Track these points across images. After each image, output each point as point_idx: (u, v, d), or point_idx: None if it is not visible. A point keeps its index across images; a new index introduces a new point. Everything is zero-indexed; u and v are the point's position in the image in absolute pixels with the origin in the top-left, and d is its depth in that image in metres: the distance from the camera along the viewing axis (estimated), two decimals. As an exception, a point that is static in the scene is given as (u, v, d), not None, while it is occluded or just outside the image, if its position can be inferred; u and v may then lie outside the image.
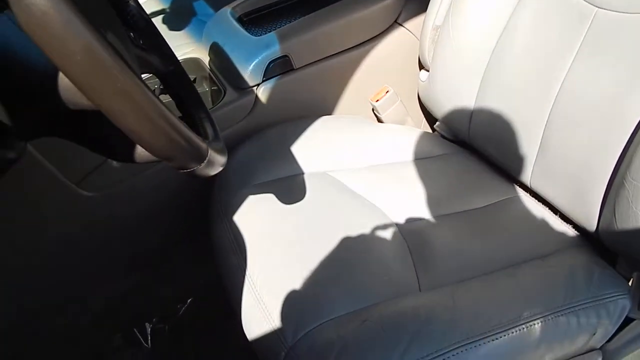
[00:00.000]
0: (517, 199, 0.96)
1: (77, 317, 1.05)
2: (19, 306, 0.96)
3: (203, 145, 0.49)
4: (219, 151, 0.54)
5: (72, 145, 0.88)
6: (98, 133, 0.53)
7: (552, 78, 0.86)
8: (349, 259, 0.78)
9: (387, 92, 1.06)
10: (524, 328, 0.68)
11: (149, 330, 1.12)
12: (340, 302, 0.72)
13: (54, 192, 0.89)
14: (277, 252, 0.80)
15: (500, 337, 0.66)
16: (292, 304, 0.72)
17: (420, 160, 1.02)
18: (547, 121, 0.88)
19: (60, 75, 0.46)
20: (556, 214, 0.92)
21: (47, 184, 0.88)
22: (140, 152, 0.54)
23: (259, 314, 0.74)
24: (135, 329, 1.12)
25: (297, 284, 0.75)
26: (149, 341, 1.12)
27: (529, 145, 0.91)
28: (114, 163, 0.93)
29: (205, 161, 0.49)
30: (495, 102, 0.96)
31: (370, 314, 0.69)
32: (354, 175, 0.95)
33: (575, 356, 0.78)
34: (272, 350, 0.70)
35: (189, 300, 1.17)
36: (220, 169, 0.55)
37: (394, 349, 0.64)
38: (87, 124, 0.52)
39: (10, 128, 0.49)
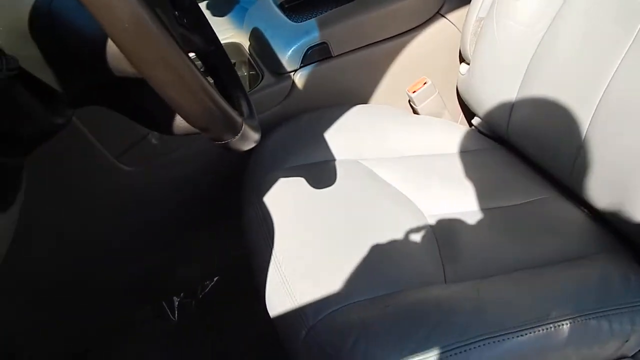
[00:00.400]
0: (554, 198, 0.93)
1: (110, 287, 1.09)
2: (59, 268, 1.01)
3: (238, 119, 0.50)
4: (253, 128, 0.55)
5: (113, 121, 0.91)
6: (140, 103, 0.55)
7: (600, 74, 0.83)
8: (375, 246, 0.78)
9: (425, 83, 1.05)
10: (551, 327, 0.66)
11: (176, 304, 1.15)
12: (364, 287, 0.72)
13: (95, 164, 0.92)
14: (304, 235, 0.80)
15: (526, 334, 0.65)
16: (316, 285, 0.73)
17: (455, 154, 1.01)
18: (591, 119, 0.85)
19: (109, 43, 0.47)
20: (594, 216, 0.89)
21: (89, 156, 0.91)
22: (178, 123, 0.55)
23: (283, 293, 0.75)
24: (163, 302, 1.15)
25: (322, 267, 0.75)
26: (176, 315, 1.14)
27: (570, 144, 0.89)
28: (153, 140, 0.96)
29: (239, 135, 0.50)
30: (538, 98, 0.93)
31: (393, 300, 0.69)
32: (385, 164, 0.95)
33: (605, 363, 0.76)
34: (293, 328, 0.71)
35: (215, 278, 1.19)
36: (253, 144, 0.56)
37: (414, 336, 0.63)
38: (131, 93, 0.54)
39: (60, 95, 0.51)
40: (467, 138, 1.05)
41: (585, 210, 0.90)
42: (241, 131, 0.51)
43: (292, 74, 1.01)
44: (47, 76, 0.50)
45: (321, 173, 0.91)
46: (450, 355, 0.62)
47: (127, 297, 1.13)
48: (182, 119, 0.55)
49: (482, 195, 0.92)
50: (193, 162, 1.01)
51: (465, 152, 1.02)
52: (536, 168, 0.99)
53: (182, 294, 1.17)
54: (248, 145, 0.55)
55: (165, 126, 0.56)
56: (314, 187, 0.88)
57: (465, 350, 0.62)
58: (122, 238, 1.05)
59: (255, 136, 0.55)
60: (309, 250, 0.78)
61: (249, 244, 0.88)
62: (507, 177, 0.98)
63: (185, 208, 1.07)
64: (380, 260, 0.76)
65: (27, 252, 0.97)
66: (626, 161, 0.78)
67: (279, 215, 0.84)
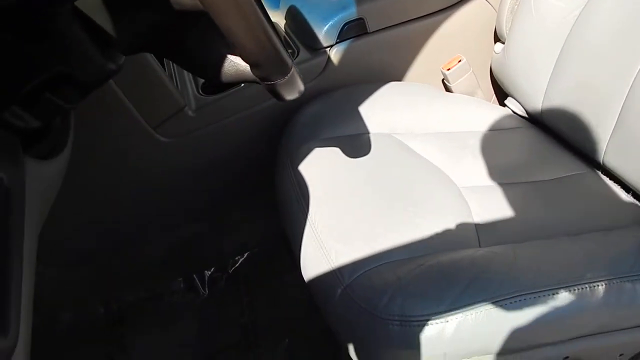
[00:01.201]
0: (587, 174, 0.93)
1: (143, 257, 1.12)
2: (98, 234, 1.04)
3: (289, 60, 0.51)
4: (299, 76, 0.56)
5: (152, 92, 0.94)
6: (192, 47, 0.56)
7: (638, 51, 0.83)
8: (409, 212, 0.79)
9: (460, 61, 1.06)
10: (586, 288, 0.66)
11: (207, 278, 1.17)
12: (398, 249, 0.73)
13: (132, 133, 0.95)
14: (339, 200, 0.82)
15: (561, 292, 0.65)
16: (351, 247, 0.74)
17: (488, 132, 1.01)
18: (627, 95, 0.85)
19: None
20: (628, 193, 0.89)
21: (128, 124, 0.94)
22: (227, 70, 0.57)
23: (318, 255, 0.76)
24: (194, 276, 1.17)
25: (357, 229, 0.76)
26: (206, 288, 1.16)
27: (605, 120, 0.89)
28: (190, 112, 0.98)
29: (287, 76, 0.52)
30: (573, 76, 0.93)
31: (428, 260, 0.70)
32: (419, 139, 0.96)
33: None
34: (329, 288, 0.72)
35: (246, 254, 1.21)
36: (297, 95, 0.57)
37: (450, 291, 0.64)
38: (183, 37, 0.55)
39: (113, 40, 0.53)
40: (501, 117, 1.05)
41: (619, 186, 0.90)
42: (290, 73, 0.52)
43: (327, 49, 1.02)
44: (102, 18, 0.52)
45: (355, 144, 0.92)
46: (485, 311, 0.62)
47: (160, 268, 1.15)
48: (231, 65, 0.57)
49: (515, 171, 0.92)
50: (228, 137, 1.03)
51: (498, 131, 1.02)
52: (569, 146, 0.99)
53: (212, 268, 1.19)
54: (292, 93, 0.56)
55: (214, 72, 0.57)
56: (348, 156, 0.89)
57: (500, 306, 0.63)
58: (156, 208, 1.08)
59: (300, 86, 0.57)
60: (345, 214, 0.79)
61: (284, 211, 0.89)
62: (540, 155, 0.98)
63: (218, 182, 1.09)
64: (415, 226, 0.77)
65: (66, 216, 1.00)
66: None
67: (313, 181, 0.85)
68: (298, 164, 0.89)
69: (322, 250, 0.76)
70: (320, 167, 0.88)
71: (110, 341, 1.08)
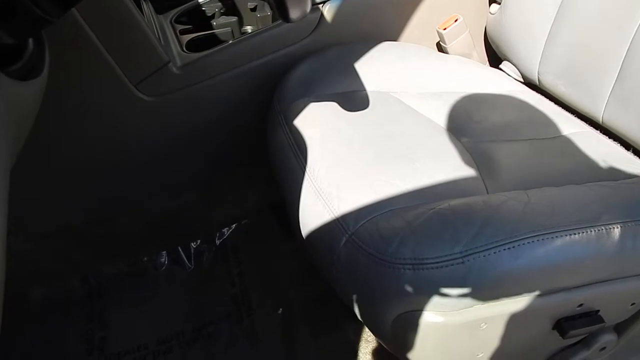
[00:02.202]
0: (587, 133, 0.91)
1: (124, 228, 1.06)
2: (74, 200, 0.97)
3: None
4: None
5: (134, 46, 0.88)
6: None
7: (637, 6, 0.82)
8: (413, 163, 0.76)
9: (456, 20, 1.03)
10: (602, 230, 0.63)
11: (192, 250, 1.12)
12: (405, 195, 0.70)
13: (112, 90, 0.89)
14: (339, 152, 0.78)
15: (577, 233, 0.62)
16: (355, 195, 0.70)
17: (486, 94, 0.99)
18: (627, 49, 0.84)
19: None
20: (629, 150, 0.88)
21: (107, 79, 0.88)
22: None
23: (319, 206, 0.72)
24: (179, 248, 1.11)
25: (359, 179, 0.73)
26: (192, 261, 1.11)
27: (604, 77, 0.87)
28: (174, 69, 0.93)
29: None
30: (571, 34, 0.92)
31: (438, 204, 0.66)
32: (417, 98, 0.93)
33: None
34: (332, 239, 0.68)
35: (234, 225, 1.15)
36: (303, 15, 0.53)
37: (465, 230, 0.60)
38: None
39: None
40: (498, 79, 1.03)
41: (619, 144, 0.89)
42: None
43: (320, 5, 0.99)
44: None
45: (351, 100, 0.89)
46: (501, 251, 0.59)
47: (143, 241, 1.09)
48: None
49: (515, 130, 0.90)
50: (216, 97, 0.98)
51: (496, 93, 1.00)
52: (567, 108, 0.98)
53: (199, 240, 1.13)
54: (299, 10, 0.52)
55: None
56: (346, 111, 0.85)
57: (516, 246, 0.59)
58: (138, 175, 1.02)
59: (308, 5, 0.53)
60: (346, 165, 0.75)
61: (280, 168, 0.85)
62: (539, 115, 0.97)
63: (205, 146, 1.03)
64: (420, 175, 0.73)
65: (39, 182, 0.94)
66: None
67: (309, 134, 0.81)
68: (293, 119, 0.85)
69: (322, 201, 0.72)
70: (317, 121, 0.84)
71: (90, 317, 1.01)
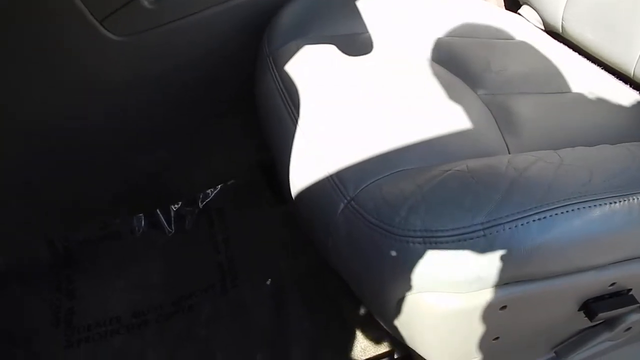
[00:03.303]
0: (616, 87, 0.81)
1: (94, 190, 0.95)
2: (35, 163, 0.86)
3: None
4: None
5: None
6: None
7: None
8: (424, 116, 0.66)
9: (471, -45, 0.91)
10: (647, 197, 0.54)
11: (173, 213, 1.01)
12: (414, 154, 0.60)
13: (73, 27, 0.77)
14: (337, 100, 0.67)
15: (618, 201, 0.52)
16: (355, 153, 0.60)
17: (504, 40, 0.88)
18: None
19: None
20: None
21: (67, 15, 0.75)
22: None
23: (312, 164, 0.62)
24: (158, 211, 1.01)
25: (360, 133, 0.62)
26: (173, 225, 1.01)
27: (638, 27, 0.76)
28: (146, 3, 0.80)
29: None
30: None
31: (454, 165, 0.56)
32: (428, 44, 0.83)
33: None
34: (328, 204, 0.58)
35: (219, 186, 1.05)
36: None
37: (486, 199, 0.50)
38: None
39: None
40: (516, 25, 0.92)
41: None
42: None
43: None
44: None
45: (354, 44, 0.78)
46: (530, 222, 0.49)
47: (117, 203, 0.99)
48: None
49: (537, 81, 0.81)
50: (196, 38, 0.86)
51: (515, 40, 0.89)
52: (594, 59, 0.87)
53: (180, 203, 1.03)
54: None
55: None
56: (345, 54, 0.74)
57: (548, 217, 0.50)
58: (109, 129, 0.90)
59: None
60: (345, 116, 0.65)
61: (265, 118, 0.75)
62: (563, 66, 0.86)
63: (185, 96, 0.92)
64: (432, 130, 0.63)
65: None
66: None
67: (303, 80, 0.70)
68: (283, 63, 0.74)
69: (316, 159, 0.61)
70: (312, 66, 0.73)
71: (56, 287, 0.92)
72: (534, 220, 0.49)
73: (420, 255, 0.50)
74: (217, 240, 0.98)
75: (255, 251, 0.95)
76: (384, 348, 0.80)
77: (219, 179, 1.06)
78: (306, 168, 0.63)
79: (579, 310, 0.60)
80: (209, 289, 0.91)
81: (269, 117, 0.74)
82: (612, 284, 0.58)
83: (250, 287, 0.91)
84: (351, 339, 0.81)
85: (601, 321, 0.67)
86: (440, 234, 0.49)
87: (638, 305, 0.61)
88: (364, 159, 0.59)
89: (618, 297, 0.60)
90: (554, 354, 0.72)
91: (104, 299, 0.90)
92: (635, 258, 0.57)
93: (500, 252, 0.49)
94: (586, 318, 0.60)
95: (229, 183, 1.06)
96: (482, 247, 0.49)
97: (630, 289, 0.61)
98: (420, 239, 0.50)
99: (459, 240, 0.49)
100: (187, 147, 1.00)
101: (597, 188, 0.52)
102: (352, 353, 0.80)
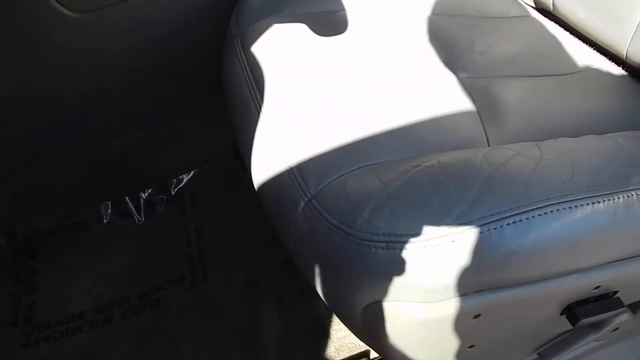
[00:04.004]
0: (607, 70, 0.76)
1: (58, 176, 0.90)
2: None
3: None
4: None
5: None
6: None
7: None
8: (396, 104, 0.61)
9: None
10: (632, 195, 0.49)
11: (142, 201, 0.97)
12: (385, 146, 0.55)
13: (28, 4, 0.71)
14: (304, 86, 0.62)
15: (602, 201, 0.47)
16: (319, 144, 0.55)
17: (492, 18, 0.83)
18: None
19: None
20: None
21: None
22: None
23: (273, 157, 0.57)
24: (127, 198, 0.96)
25: (326, 123, 0.57)
26: (142, 214, 0.96)
27: (632, 6, 0.71)
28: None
29: None
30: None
31: (425, 160, 0.51)
32: (407, 22, 0.77)
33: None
34: (288, 200, 0.54)
35: (192, 172, 1.00)
36: None
37: (456, 200, 0.46)
38: None
39: None
40: (506, 2, 0.86)
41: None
42: None
43: None
44: None
45: (327, 23, 0.73)
46: (505, 226, 0.44)
47: (82, 190, 0.94)
48: None
49: (525, 63, 0.75)
50: (164, 14, 0.80)
51: (505, 19, 0.83)
52: (585, 39, 0.82)
53: (150, 190, 0.98)
54: None
55: None
56: (317, 34, 0.69)
57: (524, 220, 0.45)
58: (74, 112, 0.85)
59: None
60: (311, 103, 0.60)
61: (231, 105, 0.69)
62: (554, 47, 0.81)
63: (153, 77, 0.86)
64: (403, 119, 0.58)
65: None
66: None
67: (269, 64, 0.65)
68: (251, 43, 0.69)
69: (278, 150, 0.57)
70: (279, 47, 0.68)
71: (16, 280, 0.87)
72: (508, 224, 0.45)
73: (383, 262, 0.45)
74: (189, 230, 0.93)
75: (228, 241, 0.91)
76: (358, 349, 0.76)
77: (193, 163, 1.01)
78: (268, 160, 0.58)
79: (561, 314, 0.56)
80: (179, 282, 0.86)
81: (234, 103, 0.69)
82: (597, 287, 0.54)
83: (222, 280, 0.86)
84: (325, 339, 0.77)
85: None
86: (404, 238, 0.45)
87: (624, 308, 0.57)
88: (329, 150, 0.54)
89: (603, 301, 0.56)
90: (537, 356, 0.68)
91: (67, 293, 0.85)
92: (622, 259, 0.53)
93: (471, 259, 0.45)
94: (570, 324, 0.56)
95: (203, 168, 1.01)
96: (451, 254, 0.44)
97: (617, 291, 0.56)
98: (384, 244, 0.45)
99: (425, 247, 0.44)
100: (158, 130, 0.94)
101: (579, 186, 0.48)
102: (326, 353, 0.76)
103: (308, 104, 0.59)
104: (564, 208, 0.46)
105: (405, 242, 0.45)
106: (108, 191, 0.96)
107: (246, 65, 0.67)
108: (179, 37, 0.84)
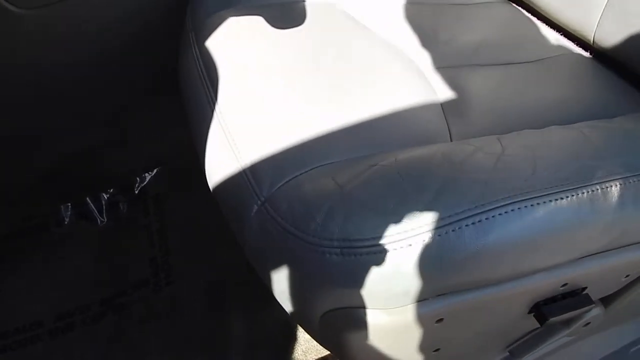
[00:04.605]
0: (575, 55, 0.74)
1: (15, 177, 0.86)
2: None
3: None
4: None
5: None
6: None
7: None
8: (353, 100, 0.58)
9: None
10: (597, 189, 0.47)
11: (104, 201, 0.93)
12: (340, 147, 0.52)
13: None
14: (258, 83, 0.59)
15: (564, 197, 0.46)
16: (272, 145, 0.52)
17: (458, 5, 0.80)
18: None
19: None
20: (624, 78, 0.70)
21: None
22: None
23: (227, 158, 0.54)
24: (88, 199, 0.92)
25: (281, 123, 0.55)
26: (104, 214, 0.93)
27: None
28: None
29: None
30: None
31: (381, 159, 0.49)
32: (368, 11, 0.74)
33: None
34: (242, 204, 0.51)
35: (155, 170, 0.96)
36: None
37: (413, 201, 0.43)
38: None
39: None
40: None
41: (613, 68, 0.72)
42: None
43: None
44: None
45: (283, 14, 0.69)
46: (463, 227, 0.42)
47: (41, 191, 0.90)
48: None
49: (489, 51, 0.73)
50: (119, 8, 0.76)
51: (470, 4, 0.81)
52: (551, 24, 0.80)
53: (111, 190, 0.94)
54: None
55: None
56: (275, 28, 0.66)
57: (484, 220, 0.43)
58: (31, 111, 0.81)
59: None
60: (265, 101, 0.57)
61: (187, 104, 0.66)
62: (519, 33, 0.79)
63: (110, 72, 0.82)
64: (361, 114, 0.56)
65: None
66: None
67: (224, 61, 0.62)
68: (206, 37, 0.66)
69: (232, 152, 0.54)
70: (235, 42, 0.64)
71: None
72: (467, 225, 0.42)
73: (338, 269, 0.43)
74: (152, 231, 0.90)
75: (193, 242, 0.88)
76: (326, 351, 0.74)
77: (156, 161, 0.98)
78: (221, 161, 0.55)
79: (529, 313, 0.54)
80: (142, 286, 0.83)
81: (189, 100, 0.66)
82: (564, 285, 0.52)
83: (187, 283, 0.84)
84: (292, 341, 0.75)
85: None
86: (359, 244, 0.42)
87: (593, 305, 0.56)
88: (284, 150, 0.52)
89: (572, 298, 0.54)
90: (508, 354, 0.67)
91: (25, 300, 0.82)
92: (589, 255, 0.51)
93: (429, 263, 0.42)
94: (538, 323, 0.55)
95: (166, 166, 0.97)
96: (408, 258, 0.42)
97: (585, 288, 0.55)
98: (338, 250, 0.43)
99: (380, 252, 0.42)
100: (119, 127, 0.91)
101: (541, 183, 0.46)
102: (293, 356, 0.74)
103: (262, 102, 0.56)
104: (525, 206, 0.44)
105: (360, 247, 0.42)
106: (68, 192, 0.92)
107: (200, 61, 0.64)
108: (136, 34, 0.80)
